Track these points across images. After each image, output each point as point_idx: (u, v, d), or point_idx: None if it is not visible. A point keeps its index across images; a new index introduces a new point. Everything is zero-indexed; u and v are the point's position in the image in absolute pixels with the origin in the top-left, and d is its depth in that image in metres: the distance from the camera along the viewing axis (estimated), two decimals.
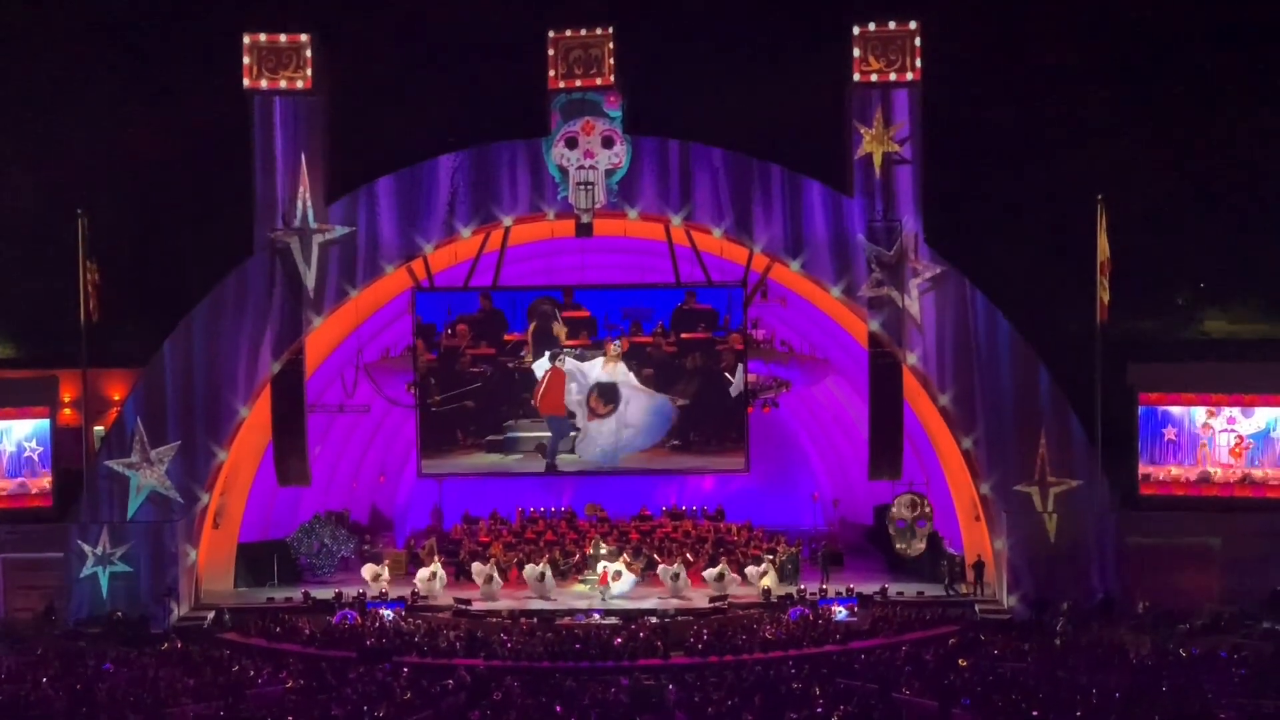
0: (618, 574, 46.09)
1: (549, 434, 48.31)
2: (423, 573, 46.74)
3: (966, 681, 35.42)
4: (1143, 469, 45.52)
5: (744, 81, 51.35)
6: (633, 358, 48.08)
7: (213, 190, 49.91)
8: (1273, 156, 49.31)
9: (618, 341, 47.82)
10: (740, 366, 47.72)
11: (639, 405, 48.20)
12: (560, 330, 47.92)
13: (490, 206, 46.14)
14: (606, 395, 48.24)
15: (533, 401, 48.18)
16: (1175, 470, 45.55)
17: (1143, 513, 45.06)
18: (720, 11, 53.31)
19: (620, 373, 48.06)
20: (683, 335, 47.89)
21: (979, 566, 46.04)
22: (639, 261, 49.88)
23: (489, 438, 48.51)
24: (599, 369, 48.05)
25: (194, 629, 44.13)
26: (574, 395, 48.14)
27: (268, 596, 46.48)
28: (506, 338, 48.07)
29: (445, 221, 46.11)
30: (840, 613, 43.61)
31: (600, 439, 48.37)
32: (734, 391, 47.68)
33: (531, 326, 47.94)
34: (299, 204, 45.75)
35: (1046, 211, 49.11)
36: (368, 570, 46.87)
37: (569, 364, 47.93)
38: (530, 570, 46.69)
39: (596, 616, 43.81)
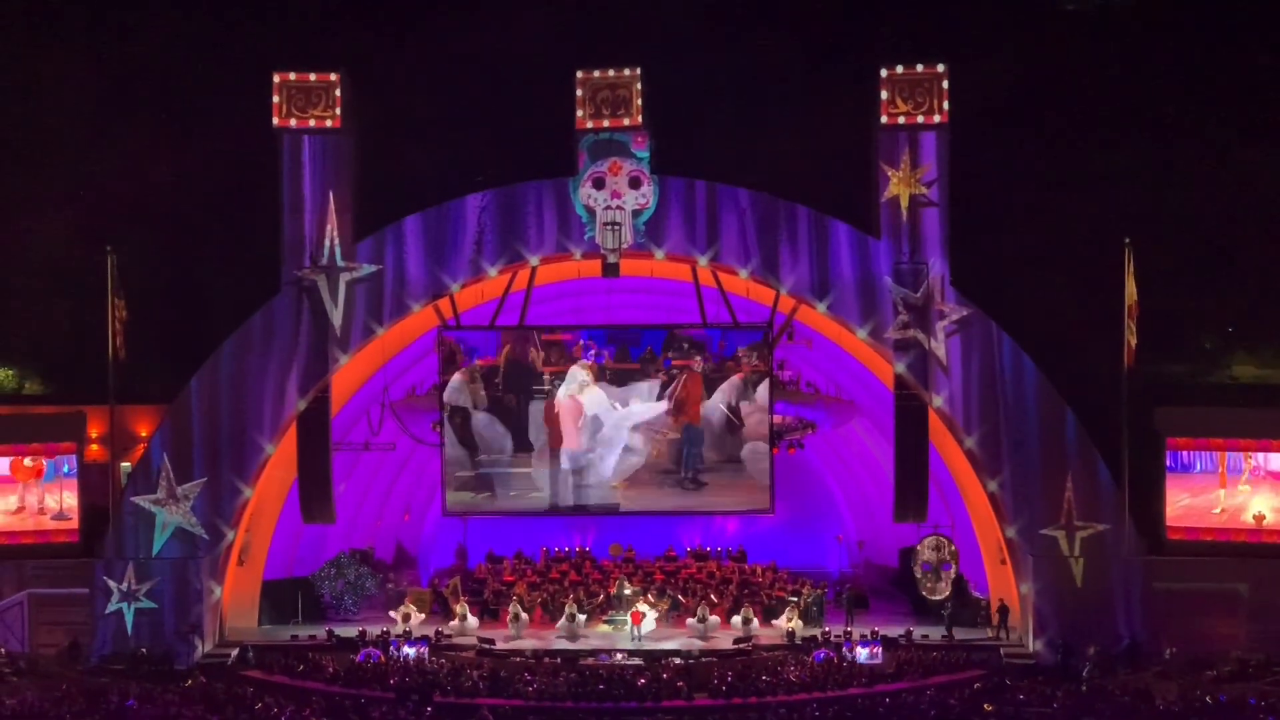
0: (644, 614, 46.06)
1: (532, 470, 48.22)
2: (458, 611, 46.75)
3: None
4: (1169, 513, 45.32)
5: (771, 123, 51.49)
6: (616, 384, 48.04)
7: (241, 228, 50.05)
8: None
9: (581, 363, 47.69)
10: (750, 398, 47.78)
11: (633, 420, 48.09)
12: (536, 356, 47.83)
13: (517, 246, 46.24)
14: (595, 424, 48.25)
15: (542, 437, 48.11)
16: (1202, 515, 45.34)
17: (1169, 557, 44.88)
18: (748, 53, 53.41)
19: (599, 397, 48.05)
20: (674, 363, 47.79)
21: (1003, 610, 45.87)
22: (665, 302, 49.91)
23: (458, 474, 48.39)
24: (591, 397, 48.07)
25: (218, 666, 44.12)
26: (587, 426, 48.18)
27: (292, 634, 46.50)
28: (480, 362, 47.96)
29: (472, 260, 46.21)
30: (862, 654, 43.42)
31: (594, 473, 48.37)
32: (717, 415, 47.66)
33: (505, 350, 47.81)
34: (326, 242, 45.91)
35: (1074, 255, 49.04)
36: (399, 611, 46.80)
37: (587, 394, 47.77)
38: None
39: (620, 657, 43.71)
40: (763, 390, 47.46)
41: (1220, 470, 45.27)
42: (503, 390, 47.98)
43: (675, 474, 48.10)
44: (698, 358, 47.48)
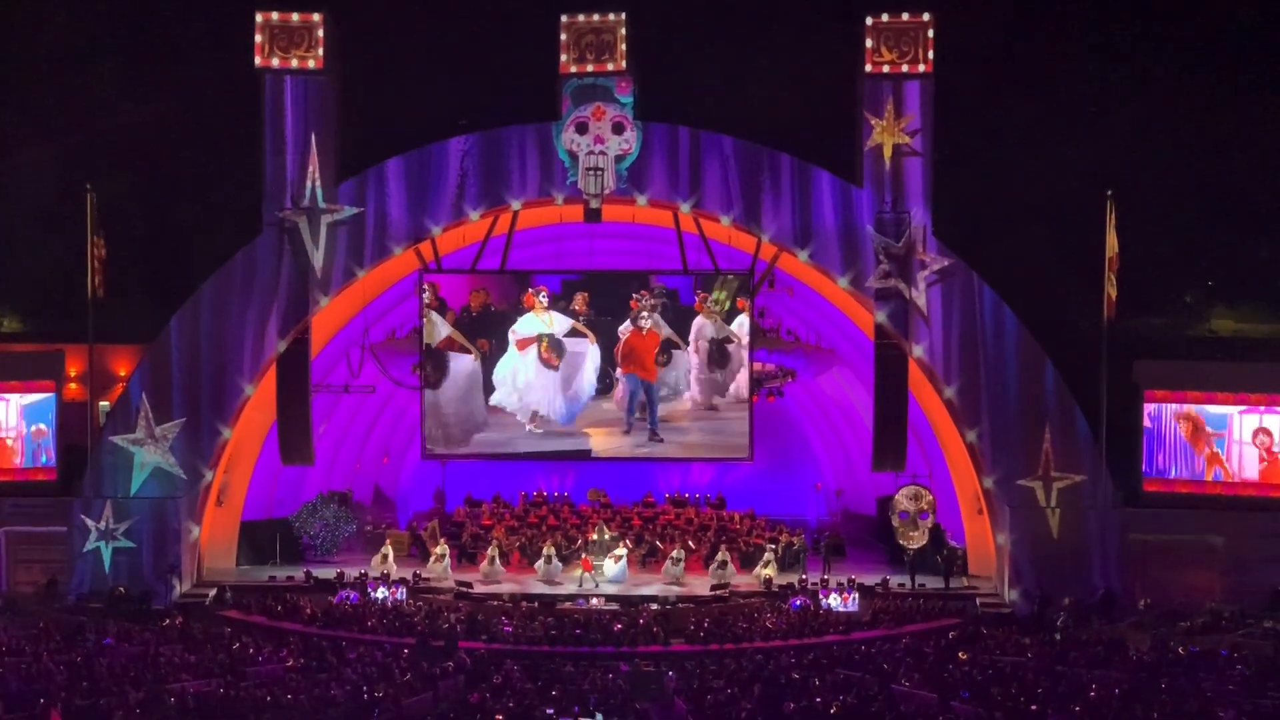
0: (617, 557, 46.12)
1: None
2: (435, 553, 46.81)
3: (966, 674, 35.45)
4: (1146, 466, 45.50)
5: (755, 70, 51.29)
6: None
7: (222, 168, 49.84)
8: None
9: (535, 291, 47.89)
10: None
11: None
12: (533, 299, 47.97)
13: (499, 190, 46.14)
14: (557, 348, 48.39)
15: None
16: (1178, 467, 45.55)
17: (1145, 509, 45.11)
18: None
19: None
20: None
21: (949, 557, 46.25)
22: (647, 248, 49.89)
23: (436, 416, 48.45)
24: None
25: (196, 606, 44.26)
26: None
27: (269, 575, 46.55)
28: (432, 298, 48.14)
29: (454, 204, 46.11)
30: (835, 601, 43.57)
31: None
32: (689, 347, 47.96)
33: (479, 294, 47.88)
34: (308, 184, 45.74)
35: (1056, 206, 49.01)
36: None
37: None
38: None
39: (596, 602, 43.82)
40: (739, 323, 47.67)
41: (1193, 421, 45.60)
42: (474, 334, 48.00)
43: (643, 422, 48.31)
44: (647, 310, 47.55)
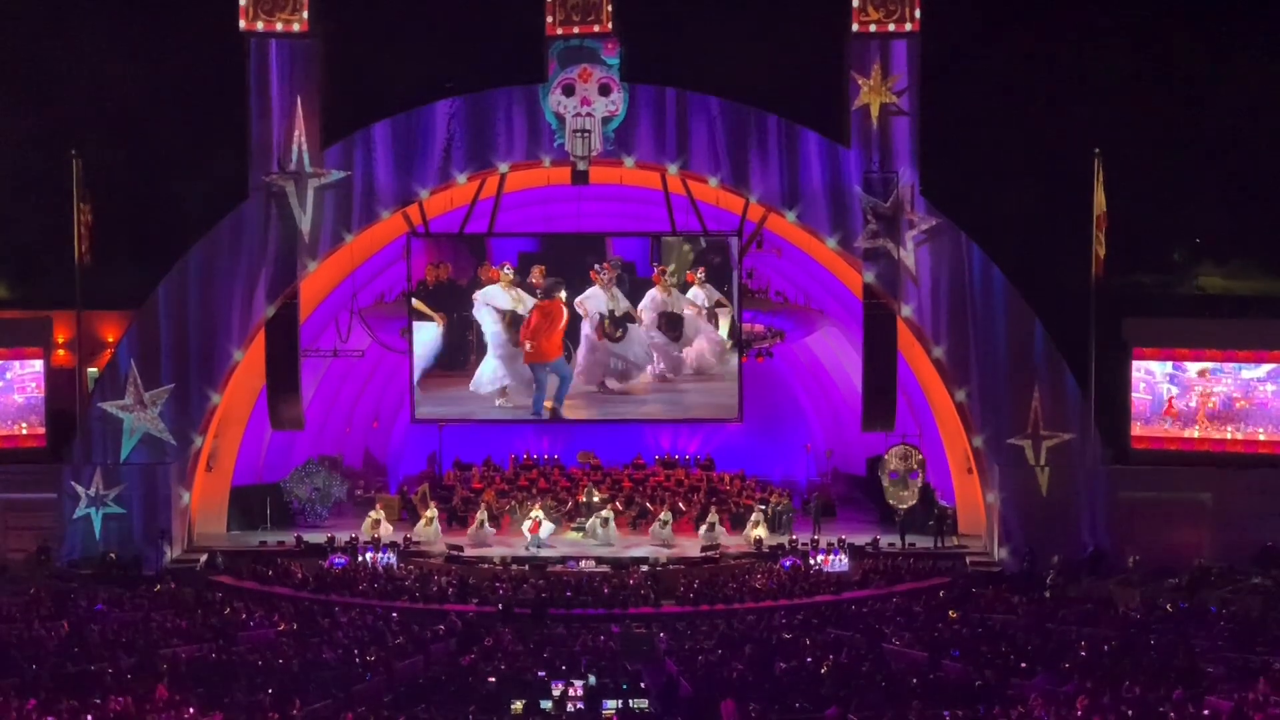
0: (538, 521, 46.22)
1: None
2: (426, 516, 46.82)
3: (956, 633, 35.58)
4: (1135, 423, 45.57)
5: (742, 30, 51.06)
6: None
7: (208, 132, 49.58)
8: (1272, 112, 49.14)
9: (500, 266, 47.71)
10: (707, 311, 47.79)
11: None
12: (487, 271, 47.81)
13: (486, 153, 46.02)
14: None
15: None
16: (1167, 425, 45.61)
17: (1134, 467, 45.18)
18: None
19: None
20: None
21: (940, 517, 46.34)
22: (635, 210, 49.81)
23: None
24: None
25: (187, 571, 44.27)
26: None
27: (260, 540, 46.57)
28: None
29: (441, 168, 46.00)
30: (832, 562, 43.68)
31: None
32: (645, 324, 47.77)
33: (437, 268, 47.76)
34: (295, 148, 45.60)
35: (1044, 165, 48.95)
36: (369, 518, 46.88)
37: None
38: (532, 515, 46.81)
39: (586, 564, 43.86)
40: (695, 291, 47.51)
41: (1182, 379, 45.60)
42: (432, 309, 47.89)
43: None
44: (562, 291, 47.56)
